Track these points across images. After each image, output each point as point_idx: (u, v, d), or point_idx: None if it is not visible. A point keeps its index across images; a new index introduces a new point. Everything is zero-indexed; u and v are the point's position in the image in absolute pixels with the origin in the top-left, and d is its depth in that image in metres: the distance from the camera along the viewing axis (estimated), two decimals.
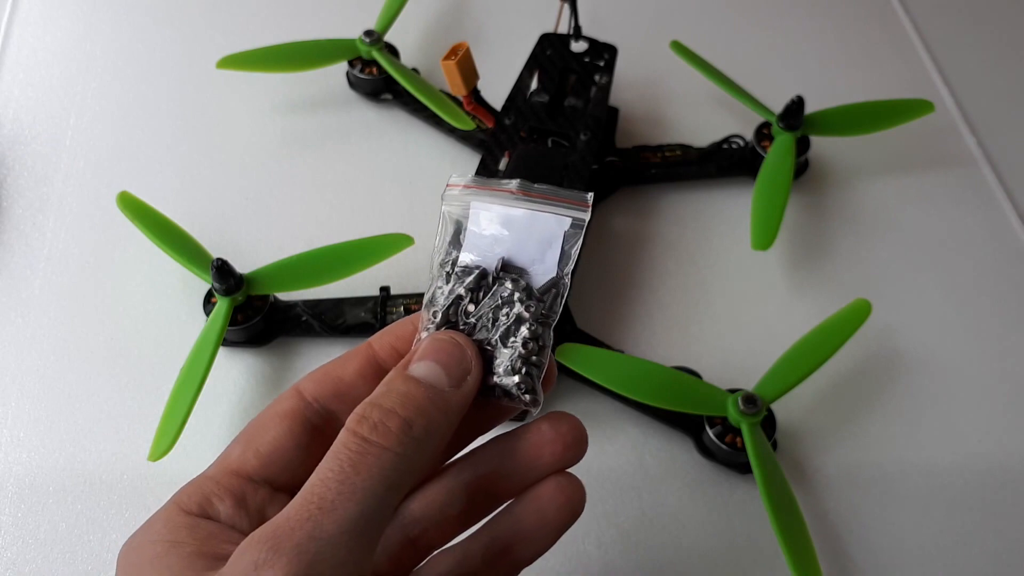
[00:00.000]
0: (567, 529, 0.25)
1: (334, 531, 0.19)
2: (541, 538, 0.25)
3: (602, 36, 0.48)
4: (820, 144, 0.49)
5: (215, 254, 0.39)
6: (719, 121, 0.52)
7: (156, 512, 0.23)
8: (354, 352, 0.25)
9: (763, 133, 0.48)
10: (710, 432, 0.38)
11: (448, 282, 0.25)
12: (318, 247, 0.41)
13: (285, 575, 0.19)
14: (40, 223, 0.45)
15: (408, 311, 0.41)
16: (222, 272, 0.38)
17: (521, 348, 0.24)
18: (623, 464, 0.39)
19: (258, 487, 0.24)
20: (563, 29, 0.48)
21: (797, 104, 0.45)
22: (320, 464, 0.21)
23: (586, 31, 0.47)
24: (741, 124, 0.50)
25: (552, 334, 0.24)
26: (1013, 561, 0.37)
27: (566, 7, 0.47)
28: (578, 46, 0.47)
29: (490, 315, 0.24)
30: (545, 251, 0.24)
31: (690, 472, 0.39)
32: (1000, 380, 0.43)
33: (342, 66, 0.51)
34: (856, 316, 0.40)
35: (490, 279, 0.24)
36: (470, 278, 0.24)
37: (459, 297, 0.24)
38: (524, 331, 0.24)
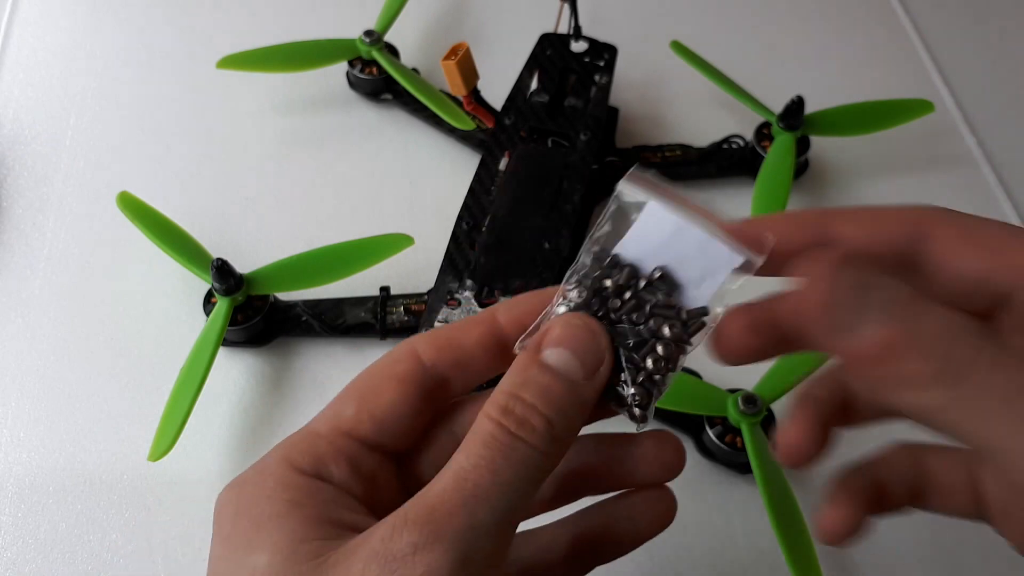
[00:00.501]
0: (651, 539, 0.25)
1: (489, 521, 0.19)
2: (627, 544, 0.25)
3: (602, 36, 0.48)
4: (820, 144, 0.49)
5: (215, 254, 0.39)
6: (719, 121, 0.52)
7: (261, 463, 0.22)
8: (476, 319, 0.24)
9: (763, 133, 0.48)
10: (710, 432, 0.38)
11: (598, 265, 0.23)
12: (318, 247, 0.41)
13: (446, 562, 0.18)
14: (40, 223, 0.45)
15: (408, 311, 0.41)
16: (222, 272, 0.38)
17: (651, 363, 0.23)
18: None
19: (370, 451, 0.23)
20: (563, 29, 0.48)
21: (797, 104, 0.45)
22: (467, 446, 0.20)
23: (586, 31, 0.47)
24: (741, 124, 0.50)
25: (682, 364, 0.23)
26: (1015, 561, 0.37)
27: (566, 7, 0.47)
28: (578, 46, 0.47)
29: (630, 318, 0.23)
30: (705, 279, 0.23)
31: (690, 472, 0.39)
32: None
33: (342, 66, 0.51)
34: None
35: (641, 283, 0.23)
36: (623, 274, 0.23)
37: (605, 288, 0.23)
38: (659, 348, 0.23)
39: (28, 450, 0.38)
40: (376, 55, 0.49)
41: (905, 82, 0.56)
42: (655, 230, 0.23)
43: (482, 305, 0.37)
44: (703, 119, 0.52)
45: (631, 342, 0.23)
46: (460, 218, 0.40)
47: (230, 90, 0.51)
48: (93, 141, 0.49)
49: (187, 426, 0.35)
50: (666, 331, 0.23)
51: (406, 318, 0.41)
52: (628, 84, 0.52)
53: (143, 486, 0.37)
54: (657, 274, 0.23)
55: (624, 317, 0.23)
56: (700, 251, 0.23)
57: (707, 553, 0.37)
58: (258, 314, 0.40)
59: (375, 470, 0.23)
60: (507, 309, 0.24)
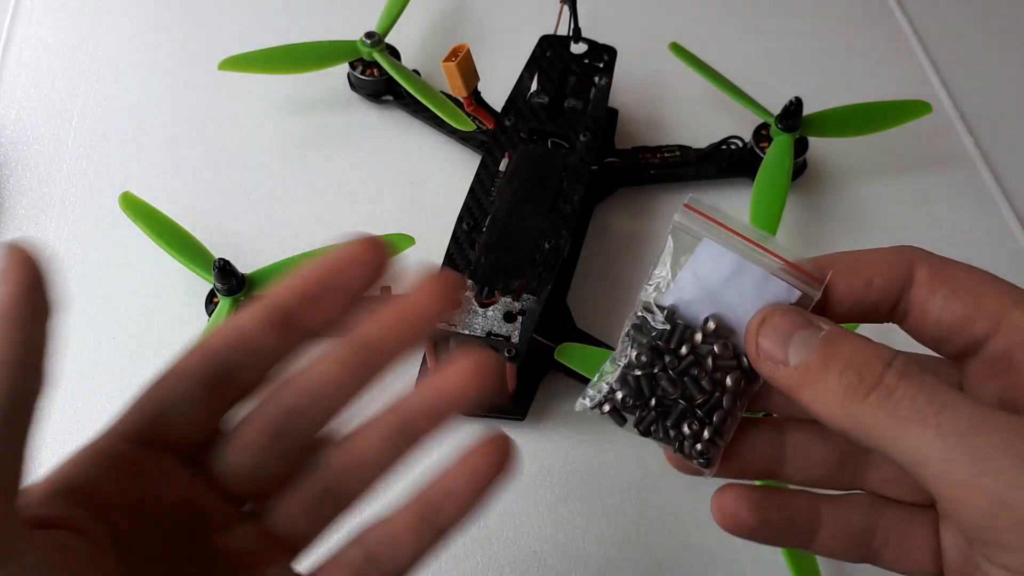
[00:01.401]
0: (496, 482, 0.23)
1: None
2: (470, 498, 0.23)
3: (602, 38, 0.48)
4: (818, 145, 0.49)
5: (217, 254, 0.39)
6: (718, 122, 0.52)
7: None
8: (256, 301, 0.23)
9: (761, 134, 0.48)
10: None
11: (654, 318, 0.23)
12: (319, 247, 0.41)
13: None
14: (43, 223, 0.46)
15: None
16: (224, 272, 0.38)
17: (717, 418, 0.23)
18: (623, 463, 0.39)
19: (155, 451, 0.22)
20: (563, 31, 0.48)
21: (795, 105, 0.46)
22: None
23: (586, 33, 0.48)
24: (740, 125, 0.50)
25: (745, 406, 0.23)
26: None
27: (566, 9, 0.47)
28: (578, 48, 0.47)
29: (691, 373, 0.23)
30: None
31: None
32: None
33: (343, 68, 0.51)
34: None
35: (698, 336, 0.23)
36: (677, 333, 0.23)
37: (662, 347, 0.23)
38: (725, 402, 0.23)
39: (29, 449, 0.38)
40: (377, 57, 0.49)
41: (903, 83, 0.56)
42: (712, 268, 0.23)
43: (483, 305, 0.37)
44: (702, 120, 0.52)
45: (698, 398, 0.23)
46: (460, 218, 0.41)
47: (232, 91, 0.51)
48: (95, 142, 0.49)
49: None
50: (729, 382, 0.23)
51: None
52: (627, 86, 0.52)
53: None
54: (712, 325, 0.23)
55: (686, 372, 0.23)
56: (757, 288, 0.23)
57: (707, 552, 0.37)
58: None
59: (155, 468, 0.22)
60: (282, 287, 0.23)
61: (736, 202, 0.49)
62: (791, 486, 0.25)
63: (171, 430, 0.22)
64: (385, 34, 0.50)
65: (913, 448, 0.19)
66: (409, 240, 0.41)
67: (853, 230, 0.49)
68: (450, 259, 0.39)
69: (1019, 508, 0.18)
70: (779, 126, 0.46)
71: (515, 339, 0.36)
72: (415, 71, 0.51)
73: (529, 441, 0.40)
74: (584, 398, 0.24)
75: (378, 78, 0.50)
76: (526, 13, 0.56)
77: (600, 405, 0.24)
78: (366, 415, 0.23)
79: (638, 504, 0.38)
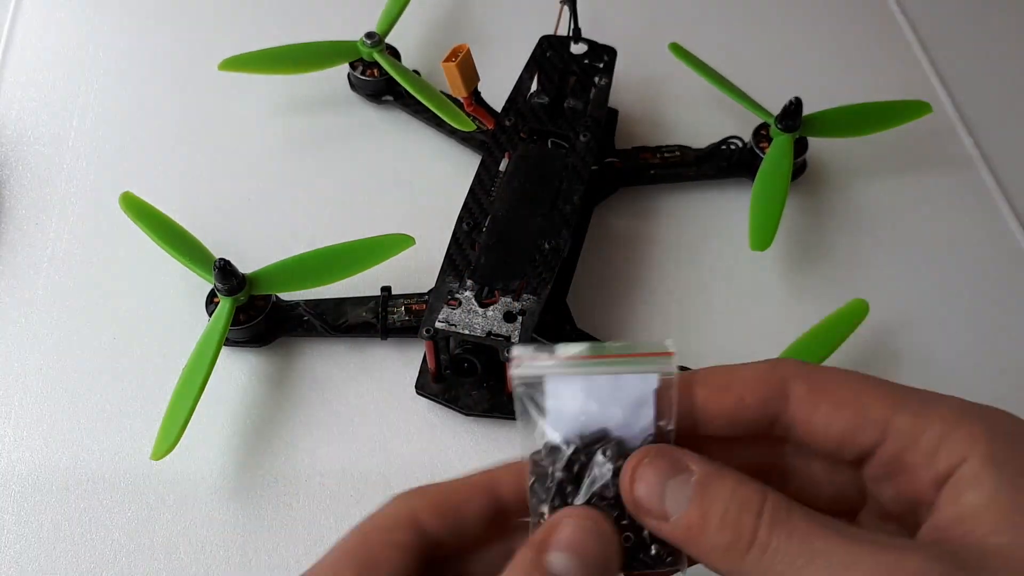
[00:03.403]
0: None
1: None
2: None
3: (601, 38, 0.48)
4: (818, 145, 0.49)
5: (218, 254, 0.39)
6: (717, 122, 0.52)
7: None
8: (479, 484, 0.23)
9: (761, 134, 0.48)
10: None
11: (543, 470, 0.23)
12: (320, 247, 0.41)
13: None
14: (43, 223, 0.46)
15: (409, 311, 0.41)
16: (225, 272, 0.38)
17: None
18: None
19: None
20: (563, 31, 0.48)
21: (795, 105, 0.46)
22: None
23: (586, 33, 0.48)
24: (739, 125, 0.50)
25: None
26: None
27: (566, 9, 0.47)
28: (578, 48, 0.47)
29: (607, 494, 0.22)
30: (639, 412, 0.23)
31: None
32: (997, 380, 0.43)
33: (343, 68, 0.51)
34: (853, 316, 0.40)
35: (582, 456, 0.22)
36: (561, 462, 0.22)
37: (561, 484, 0.22)
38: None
39: (31, 449, 0.38)
40: (377, 57, 0.49)
41: (902, 83, 0.56)
42: (567, 399, 0.23)
43: (483, 305, 0.37)
44: (701, 120, 0.52)
45: (618, 513, 0.22)
46: (460, 219, 0.41)
47: (232, 91, 0.52)
48: (96, 142, 0.49)
49: (190, 425, 0.35)
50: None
51: (407, 318, 0.41)
52: (627, 86, 0.52)
53: (145, 485, 0.37)
54: (587, 440, 0.22)
55: (603, 495, 0.22)
56: (615, 394, 0.22)
57: None
58: (260, 314, 0.40)
59: None
60: (512, 479, 0.23)
61: (736, 202, 0.49)
62: None
63: None
64: (385, 34, 0.50)
65: None
66: (409, 240, 0.41)
67: (853, 230, 0.49)
68: (450, 259, 0.39)
69: None
70: (779, 126, 0.46)
71: (515, 339, 0.36)
72: (415, 71, 0.51)
73: None
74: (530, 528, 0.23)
75: (378, 78, 0.50)
76: (526, 13, 0.56)
77: None
78: None
79: None
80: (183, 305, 0.42)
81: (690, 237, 0.48)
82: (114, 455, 0.38)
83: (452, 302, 0.37)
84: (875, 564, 0.19)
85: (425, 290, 0.41)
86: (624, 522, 0.22)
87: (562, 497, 0.22)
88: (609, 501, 0.22)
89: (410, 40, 0.54)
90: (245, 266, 0.40)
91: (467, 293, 0.38)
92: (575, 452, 0.22)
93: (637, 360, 0.22)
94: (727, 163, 0.49)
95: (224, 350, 0.40)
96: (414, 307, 0.41)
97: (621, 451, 0.22)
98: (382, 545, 0.21)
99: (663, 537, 0.22)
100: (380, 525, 0.22)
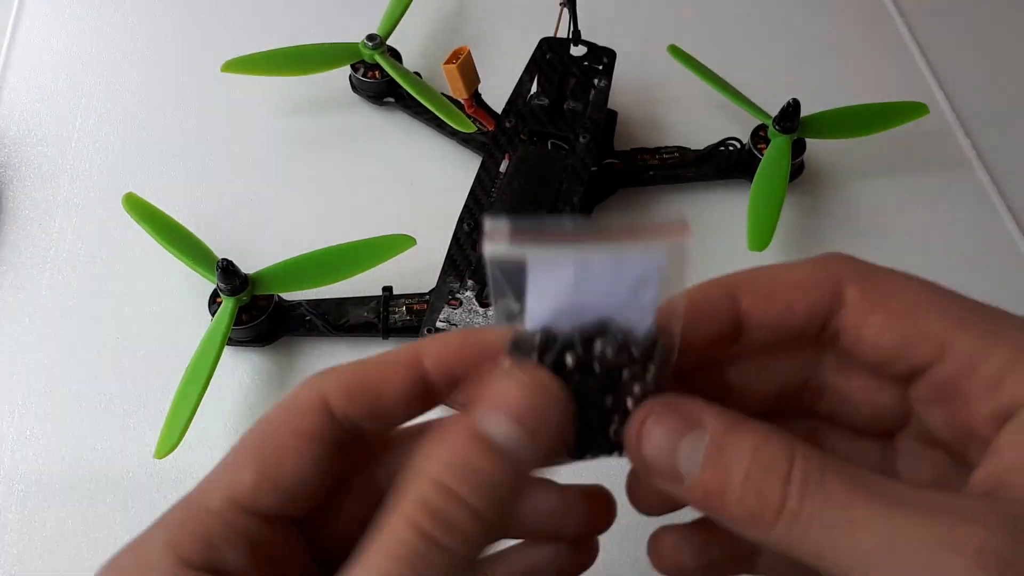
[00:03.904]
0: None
1: None
2: None
3: (601, 40, 0.48)
4: (816, 147, 0.50)
5: (220, 255, 0.40)
6: (716, 124, 0.52)
7: (140, 550, 0.18)
8: (397, 359, 0.20)
9: (759, 136, 0.48)
10: None
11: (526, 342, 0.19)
12: (322, 248, 0.41)
13: None
14: (47, 224, 0.46)
15: (411, 311, 0.41)
16: (227, 272, 0.38)
17: (632, 403, 0.20)
18: (623, 462, 0.40)
19: (272, 525, 0.19)
20: (563, 33, 0.48)
21: (793, 107, 0.46)
22: (369, 554, 0.17)
23: (585, 35, 0.48)
24: (738, 127, 0.50)
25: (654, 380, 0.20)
26: None
27: (565, 11, 0.47)
28: (577, 50, 0.48)
29: (586, 382, 0.19)
30: (639, 297, 0.19)
31: None
32: None
33: (345, 70, 0.51)
34: None
35: (577, 349, 0.19)
36: (551, 354, 0.19)
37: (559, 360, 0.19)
38: (630, 403, 0.19)
39: (35, 447, 0.39)
40: (379, 59, 0.49)
41: (900, 85, 0.56)
42: (554, 283, 0.18)
43: (483, 305, 0.37)
44: (700, 122, 0.53)
45: (607, 399, 0.20)
46: (461, 219, 0.41)
47: (234, 93, 0.52)
48: (99, 143, 0.50)
49: (193, 424, 0.36)
50: (632, 384, 0.19)
51: (408, 318, 0.41)
52: (626, 88, 0.53)
53: (149, 483, 0.38)
54: (582, 330, 0.19)
55: (583, 383, 0.19)
56: (614, 275, 0.18)
57: None
58: (263, 314, 0.40)
59: (278, 546, 0.19)
60: (435, 351, 0.20)
61: (734, 203, 0.49)
62: None
63: (296, 501, 0.19)
64: (387, 36, 0.50)
65: (835, 570, 0.17)
66: (410, 241, 0.41)
67: (850, 231, 0.49)
68: (451, 259, 0.39)
69: None
70: (777, 128, 0.47)
71: None
72: (416, 73, 0.51)
73: None
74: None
75: (380, 80, 0.50)
76: (526, 16, 0.56)
77: None
78: None
79: None
80: (186, 305, 0.43)
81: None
82: (117, 454, 0.38)
83: (453, 302, 0.38)
84: (928, 538, 0.16)
85: (426, 290, 0.41)
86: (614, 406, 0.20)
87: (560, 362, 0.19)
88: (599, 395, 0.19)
89: (411, 42, 0.55)
90: (247, 266, 0.40)
91: (468, 293, 0.38)
92: (563, 349, 0.19)
93: (640, 235, 0.18)
94: (725, 164, 0.49)
95: (227, 350, 0.41)
96: (415, 307, 0.41)
97: (619, 347, 0.19)
98: (286, 435, 0.19)
99: (680, 500, 0.19)
100: (285, 412, 0.20)
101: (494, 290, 0.19)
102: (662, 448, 0.19)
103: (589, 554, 0.23)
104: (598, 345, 0.19)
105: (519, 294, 0.19)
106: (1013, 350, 0.18)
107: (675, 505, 0.22)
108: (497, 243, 0.17)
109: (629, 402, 0.20)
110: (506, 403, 0.18)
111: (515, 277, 0.18)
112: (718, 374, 0.22)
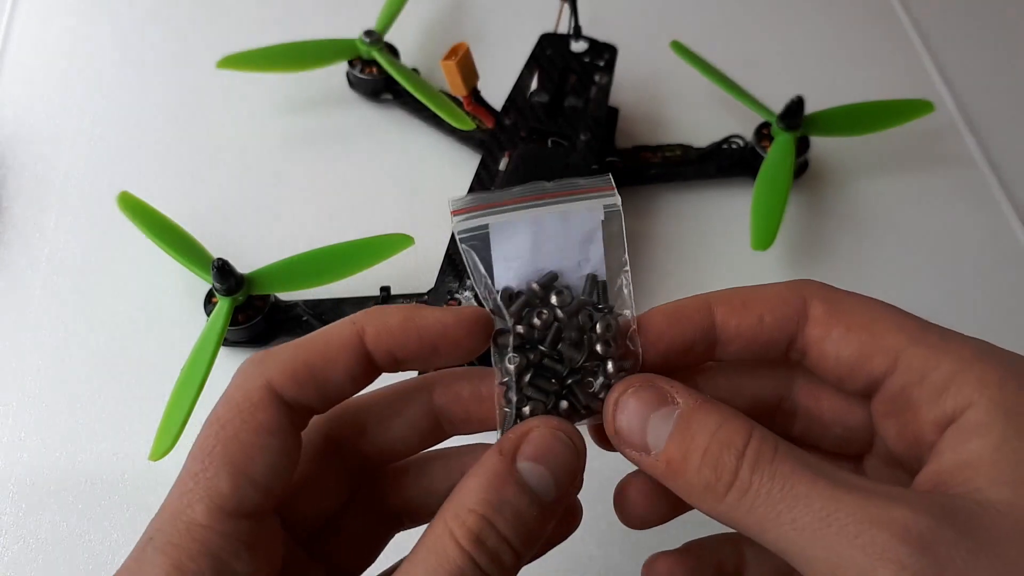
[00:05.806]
0: None
1: None
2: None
3: (602, 36, 0.48)
4: (820, 144, 0.49)
5: (216, 254, 0.39)
6: (719, 121, 0.52)
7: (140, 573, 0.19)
8: (340, 345, 0.21)
9: (763, 133, 0.48)
10: None
11: (501, 323, 0.22)
12: (319, 247, 0.41)
13: None
14: (41, 223, 0.46)
15: None
16: (223, 272, 0.38)
17: (611, 367, 0.22)
18: (623, 463, 0.39)
19: (258, 521, 0.20)
20: (563, 29, 0.48)
21: (797, 104, 0.45)
22: (424, 566, 0.19)
23: (586, 31, 0.47)
24: (741, 124, 0.50)
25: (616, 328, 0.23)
26: None
27: (566, 7, 0.47)
28: (578, 46, 0.47)
29: (555, 347, 0.22)
30: (587, 249, 0.22)
31: None
32: None
33: (342, 66, 0.51)
34: None
35: (537, 301, 0.22)
36: (515, 306, 0.22)
37: (519, 337, 0.22)
38: (598, 345, 0.22)
39: (29, 449, 0.38)
40: (376, 55, 0.49)
41: (905, 82, 0.56)
42: (515, 243, 0.22)
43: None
44: (703, 119, 0.52)
45: (571, 362, 0.22)
46: None
47: (230, 90, 0.51)
48: (93, 141, 0.49)
49: (188, 425, 0.35)
50: (596, 328, 0.22)
51: None
52: (628, 84, 0.52)
53: (144, 485, 0.37)
54: (543, 281, 0.22)
55: (553, 347, 0.22)
56: (565, 233, 0.22)
57: None
58: (259, 314, 0.40)
59: (266, 539, 0.21)
60: (375, 332, 0.21)
61: (737, 201, 0.48)
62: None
63: (272, 494, 0.20)
64: (384, 32, 0.50)
65: (775, 543, 0.19)
66: (408, 240, 0.40)
67: (854, 229, 0.48)
68: (450, 259, 0.39)
69: None
70: (780, 125, 0.46)
71: None
72: (414, 69, 0.51)
73: None
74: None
75: (377, 76, 0.50)
76: (526, 11, 0.56)
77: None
78: None
79: None
80: (181, 305, 0.42)
81: (691, 237, 0.47)
82: (112, 455, 0.38)
83: (452, 302, 0.37)
84: (859, 514, 0.17)
85: (424, 290, 0.41)
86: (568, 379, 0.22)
87: (523, 351, 0.22)
88: (563, 351, 0.22)
89: (409, 38, 0.54)
90: (243, 266, 0.39)
91: (466, 293, 0.37)
92: (530, 298, 0.22)
93: (579, 196, 0.22)
94: (728, 162, 0.49)
95: (223, 350, 0.40)
96: None
97: (573, 292, 0.22)
98: (248, 433, 0.20)
99: (644, 470, 0.21)
100: (238, 412, 0.20)
101: (467, 262, 0.22)
102: (634, 420, 0.21)
103: (572, 519, 0.25)
104: (555, 297, 0.22)
105: (488, 264, 0.22)
106: (959, 360, 0.20)
107: (661, 519, 0.24)
108: (461, 217, 0.21)
109: (599, 347, 0.22)
110: (541, 452, 0.20)
111: (483, 250, 0.22)
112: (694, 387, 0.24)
